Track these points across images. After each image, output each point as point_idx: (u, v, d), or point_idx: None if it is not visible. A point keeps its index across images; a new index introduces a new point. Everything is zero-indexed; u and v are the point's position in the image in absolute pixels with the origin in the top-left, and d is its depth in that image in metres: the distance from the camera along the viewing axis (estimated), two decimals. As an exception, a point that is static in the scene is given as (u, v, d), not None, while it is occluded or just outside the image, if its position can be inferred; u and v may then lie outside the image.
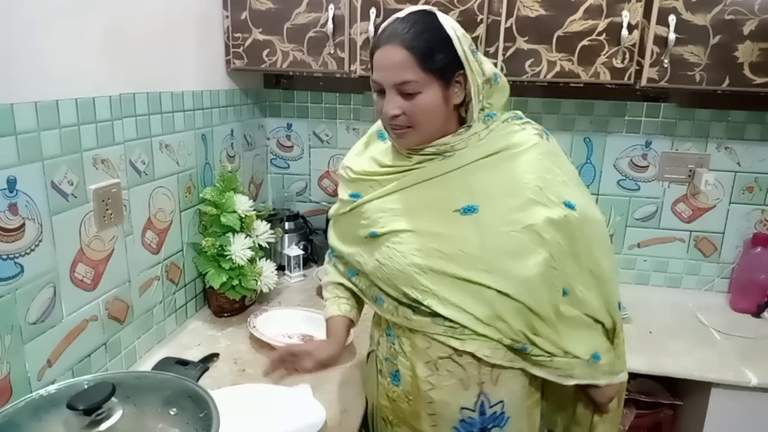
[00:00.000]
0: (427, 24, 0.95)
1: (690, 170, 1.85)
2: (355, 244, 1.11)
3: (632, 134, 1.87)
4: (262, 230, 1.64)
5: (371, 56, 0.98)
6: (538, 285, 0.97)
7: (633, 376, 1.62)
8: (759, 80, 1.46)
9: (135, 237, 1.32)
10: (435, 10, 0.99)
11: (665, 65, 1.48)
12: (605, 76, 1.52)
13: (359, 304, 1.19)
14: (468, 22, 1.54)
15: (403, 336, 1.06)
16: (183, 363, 1.29)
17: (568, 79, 1.54)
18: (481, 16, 1.54)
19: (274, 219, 1.84)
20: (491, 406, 1.04)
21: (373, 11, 1.57)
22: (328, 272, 1.23)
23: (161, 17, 1.39)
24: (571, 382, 1.04)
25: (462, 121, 1.03)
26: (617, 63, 1.50)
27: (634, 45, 1.49)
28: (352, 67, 1.64)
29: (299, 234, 1.98)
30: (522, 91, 1.88)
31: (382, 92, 0.98)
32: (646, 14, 1.47)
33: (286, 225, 1.94)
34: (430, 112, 0.97)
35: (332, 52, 1.64)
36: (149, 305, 1.40)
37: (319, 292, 1.81)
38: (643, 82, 1.50)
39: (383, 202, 1.05)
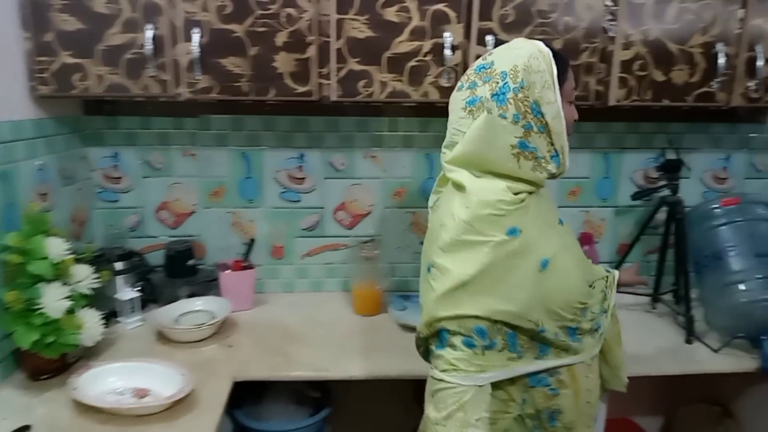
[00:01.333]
0: None
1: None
2: (516, 290, 1.00)
3: (468, 148, 1.96)
4: (84, 275, 1.46)
5: (567, 68, 1.09)
6: None
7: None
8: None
9: None
10: None
11: (487, 83, 1.56)
12: (435, 96, 1.57)
13: None
14: (298, 43, 1.51)
15: (562, 373, 1.08)
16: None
17: (401, 99, 1.57)
18: (311, 37, 1.51)
19: (100, 260, 1.64)
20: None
21: (196, 31, 1.47)
22: (483, 366, 1.01)
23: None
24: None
25: None
26: (444, 83, 1.55)
27: (457, 65, 1.55)
28: (178, 90, 1.53)
29: (135, 274, 1.80)
30: (364, 111, 1.89)
31: (570, 102, 1.10)
32: (467, 35, 1.54)
33: (118, 265, 1.75)
34: None
35: (154, 74, 1.51)
36: (-67, 381, 1.17)
37: (160, 337, 1.65)
38: (470, 99, 1.57)
39: (536, 227, 1.04)
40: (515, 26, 1.54)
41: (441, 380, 1.01)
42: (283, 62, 1.51)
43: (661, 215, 1.87)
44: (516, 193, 1.03)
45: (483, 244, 0.99)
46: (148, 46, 1.47)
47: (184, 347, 1.60)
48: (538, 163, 1.04)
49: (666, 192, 1.83)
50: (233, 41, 1.49)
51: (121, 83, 1.51)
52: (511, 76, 1.02)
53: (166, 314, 1.71)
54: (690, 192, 2.01)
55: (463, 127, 1.06)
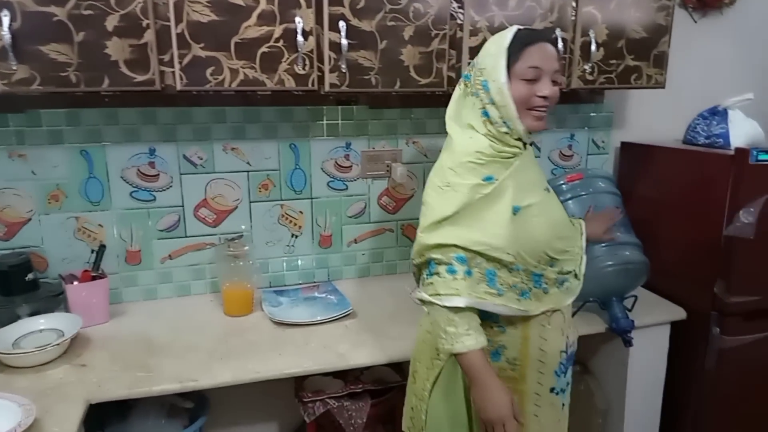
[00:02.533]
0: None
1: (387, 165, 2.00)
2: (493, 226, 1.17)
3: (333, 137, 1.94)
4: None
5: (522, 49, 1.18)
6: None
7: (366, 368, 1.68)
8: (423, 81, 1.62)
9: None
10: None
11: (343, 70, 1.53)
12: (290, 83, 1.51)
13: None
14: (132, 27, 1.37)
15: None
16: None
17: (255, 87, 1.49)
18: (147, 21, 1.38)
19: None
20: (569, 346, 1.32)
21: (5, 14, 1.28)
22: (459, 291, 1.15)
23: None
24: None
25: None
26: (299, 69, 1.50)
27: (311, 51, 1.50)
28: (-9, 84, 1.33)
29: (-40, 296, 1.57)
30: (219, 101, 1.78)
31: (530, 80, 1.18)
32: (319, 20, 1.50)
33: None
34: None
35: (-45, 65, 1.30)
36: None
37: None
38: (327, 87, 1.53)
39: (513, 180, 1.20)
40: (366, 12, 1.52)
41: (430, 303, 1.18)
42: (116, 49, 1.37)
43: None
44: (500, 151, 1.21)
45: (462, 186, 1.18)
46: (-59, 32, 1.26)
47: (27, 373, 1.43)
48: (496, 126, 1.21)
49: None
50: (54, 26, 1.32)
51: None
52: (477, 60, 1.25)
53: (2, 338, 1.51)
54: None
55: (455, 93, 1.29)
